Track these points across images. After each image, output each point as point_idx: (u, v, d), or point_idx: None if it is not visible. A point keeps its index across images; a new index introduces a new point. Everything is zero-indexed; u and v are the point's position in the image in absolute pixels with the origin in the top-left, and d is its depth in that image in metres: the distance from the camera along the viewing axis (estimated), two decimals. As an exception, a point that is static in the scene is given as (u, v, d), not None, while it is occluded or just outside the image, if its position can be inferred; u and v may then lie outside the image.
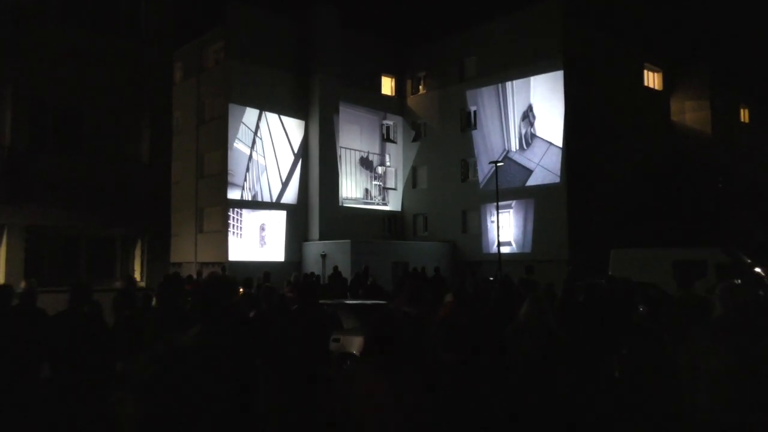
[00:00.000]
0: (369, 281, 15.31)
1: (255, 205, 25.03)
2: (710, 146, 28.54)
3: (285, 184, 26.22)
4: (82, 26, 12.19)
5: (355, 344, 7.62)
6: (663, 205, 26.96)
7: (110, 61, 12.48)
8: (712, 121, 28.70)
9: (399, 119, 30.96)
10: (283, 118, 26.24)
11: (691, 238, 23.38)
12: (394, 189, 30.61)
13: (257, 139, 25.38)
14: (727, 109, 30.11)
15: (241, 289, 9.85)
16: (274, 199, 25.73)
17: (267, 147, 25.71)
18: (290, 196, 26.31)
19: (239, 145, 24.78)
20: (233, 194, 24.38)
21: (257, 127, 25.45)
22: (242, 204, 24.64)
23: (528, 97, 25.36)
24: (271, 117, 25.84)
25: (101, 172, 12.18)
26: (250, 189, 25.04)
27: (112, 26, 12.79)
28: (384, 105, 30.45)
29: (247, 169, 25.00)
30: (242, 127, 24.93)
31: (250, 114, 25.20)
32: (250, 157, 25.08)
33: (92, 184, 11.93)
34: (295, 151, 26.70)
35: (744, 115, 32.00)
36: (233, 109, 24.60)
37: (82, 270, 12.21)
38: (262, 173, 25.47)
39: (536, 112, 25.07)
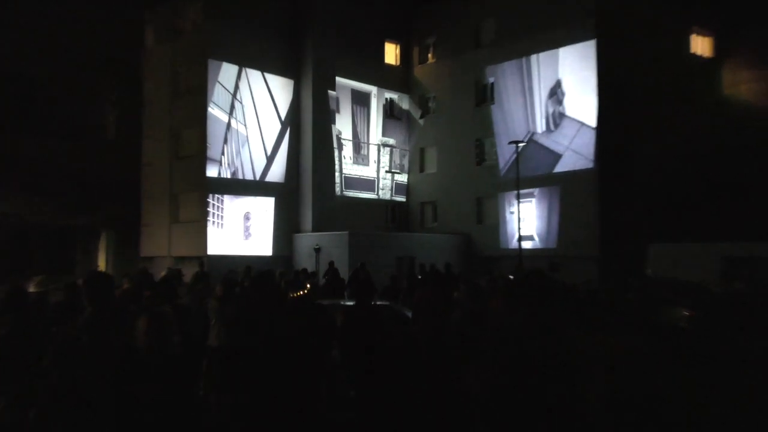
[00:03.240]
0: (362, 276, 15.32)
1: (238, 188, 24.76)
2: (768, 124, 28.10)
3: (270, 159, 25.94)
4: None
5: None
6: (711, 193, 26.63)
7: (70, 23, 12.16)
8: (772, 94, 28.24)
9: (404, 92, 30.72)
10: (268, 76, 25.79)
11: (743, 231, 23.08)
12: (399, 173, 30.37)
13: (237, 104, 25.00)
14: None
15: (308, 285, 10.13)
16: (257, 177, 25.47)
17: (249, 113, 25.32)
18: (277, 173, 26.06)
19: (216, 112, 24.27)
20: (210, 172, 24.01)
21: (236, 87, 24.96)
22: (223, 188, 24.36)
23: (556, 70, 25.08)
24: (253, 75, 25.37)
25: (58, 150, 11.92)
26: (229, 165, 24.66)
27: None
28: (387, 76, 30.15)
29: (225, 141, 24.55)
30: (218, 89, 24.41)
31: (228, 71, 24.67)
32: (229, 125, 24.64)
33: (47, 165, 11.68)
34: (283, 119, 26.36)
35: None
36: (210, 66, 24.02)
37: (37, 265, 12.00)
38: (243, 146, 25.10)
39: (565, 88, 24.82)
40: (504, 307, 5.81)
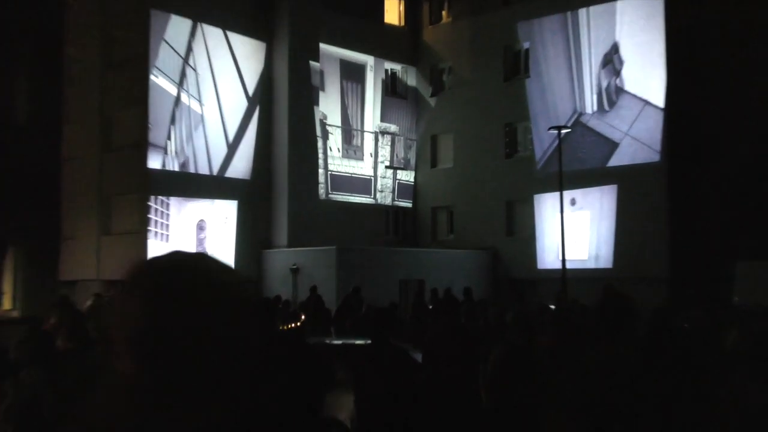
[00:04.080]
0: (363, 308, 15.40)
1: (189, 188, 24.71)
2: None
3: (233, 148, 26.01)
4: None
5: (345, 406, 7.41)
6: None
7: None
8: None
9: (410, 63, 30.85)
10: (231, 36, 25.87)
11: None
12: (403, 169, 30.47)
13: (189, 71, 24.94)
14: None
15: (302, 316, 10.47)
16: (215, 172, 25.52)
17: (205, 85, 25.32)
18: (241, 167, 26.22)
19: (161, 81, 24.13)
20: (152, 162, 23.89)
21: (189, 49, 24.92)
22: (170, 187, 24.28)
23: (612, 31, 25.29)
24: (212, 33, 25.46)
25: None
26: (177, 153, 24.60)
27: None
28: (388, 41, 30.34)
29: (173, 121, 24.47)
30: (165, 50, 24.26)
31: (178, 27, 24.61)
32: (178, 100, 24.56)
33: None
34: (250, 95, 26.46)
35: None
36: (154, 19, 23.94)
37: None
38: (196, 128, 25.05)
39: (624, 55, 24.97)
40: (559, 343, 5.75)
